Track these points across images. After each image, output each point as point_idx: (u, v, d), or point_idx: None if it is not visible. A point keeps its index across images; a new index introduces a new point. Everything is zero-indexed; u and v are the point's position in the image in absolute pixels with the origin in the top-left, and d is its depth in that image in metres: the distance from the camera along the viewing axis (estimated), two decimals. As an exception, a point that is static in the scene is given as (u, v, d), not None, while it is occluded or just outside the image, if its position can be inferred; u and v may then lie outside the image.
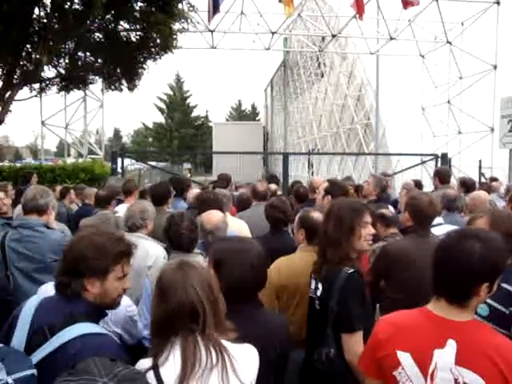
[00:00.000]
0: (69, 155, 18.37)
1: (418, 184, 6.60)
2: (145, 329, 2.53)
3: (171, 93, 52.34)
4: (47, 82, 11.33)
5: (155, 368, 1.43)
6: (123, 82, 11.43)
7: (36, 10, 9.11)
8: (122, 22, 10.04)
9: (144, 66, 10.95)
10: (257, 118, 55.82)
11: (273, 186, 5.88)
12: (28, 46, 9.55)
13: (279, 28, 15.61)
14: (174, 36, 10.22)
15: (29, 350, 1.52)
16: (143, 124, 54.38)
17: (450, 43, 15.22)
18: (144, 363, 1.47)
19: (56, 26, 8.98)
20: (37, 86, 11.18)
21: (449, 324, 1.51)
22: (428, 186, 8.45)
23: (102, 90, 15.18)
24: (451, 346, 1.47)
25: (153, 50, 10.44)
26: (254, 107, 59.77)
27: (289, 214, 3.50)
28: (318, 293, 2.27)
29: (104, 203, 4.56)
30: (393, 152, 14.61)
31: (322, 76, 26.27)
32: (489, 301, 2.02)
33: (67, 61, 11.02)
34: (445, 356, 1.47)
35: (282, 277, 2.70)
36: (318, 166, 24.88)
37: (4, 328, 1.64)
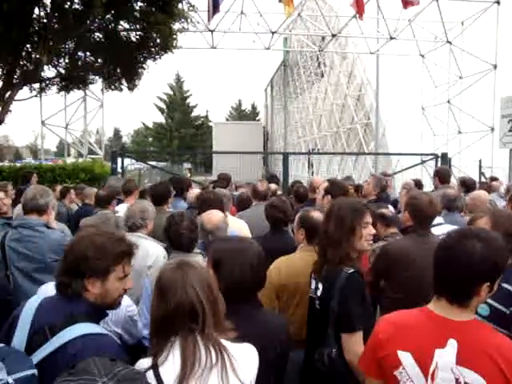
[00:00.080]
0: (69, 155, 18.38)
1: (418, 183, 6.60)
2: (145, 328, 2.53)
3: (171, 93, 52.33)
4: (47, 82, 11.33)
5: (155, 367, 1.43)
6: (123, 81, 11.44)
7: (36, 10, 9.12)
8: (121, 22, 10.05)
9: (144, 65, 10.96)
10: (257, 118, 55.81)
11: (273, 186, 5.88)
12: (28, 45, 9.55)
13: (279, 28, 15.61)
14: (174, 36, 10.23)
15: (29, 349, 1.52)
16: (143, 124, 54.42)
17: (450, 43, 15.22)
18: (143, 363, 1.47)
19: (56, 25, 8.98)
20: (37, 85, 11.19)
21: (449, 324, 1.51)
22: (428, 185, 8.45)
23: (102, 89, 15.19)
24: (452, 345, 1.47)
25: (153, 49, 10.44)
26: (254, 107, 59.77)
27: (289, 213, 3.50)
28: (319, 293, 2.27)
29: (104, 203, 4.56)
30: (393, 152, 14.61)
31: (322, 76, 26.27)
32: (489, 301, 2.02)
33: (67, 61, 11.03)
34: (446, 356, 1.47)
35: (282, 276, 2.70)
36: (317, 166, 24.90)
37: (4, 328, 1.63)
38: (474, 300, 1.51)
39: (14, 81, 9.51)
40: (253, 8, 14.65)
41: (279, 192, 6.53)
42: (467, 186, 5.45)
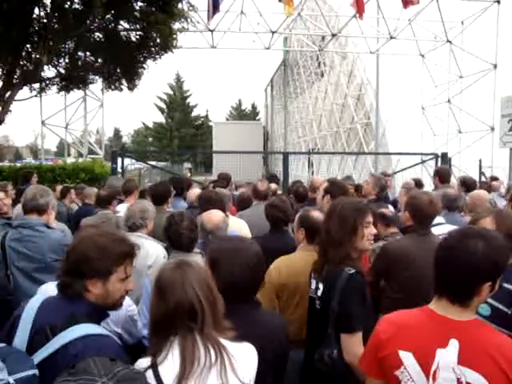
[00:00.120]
0: (69, 155, 18.35)
1: (419, 183, 6.60)
2: (144, 328, 2.53)
3: (171, 92, 52.36)
4: (47, 82, 11.33)
5: (154, 367, 1.43)
6: (123, 81, 11.44)
7: (36, 10, 9.12)
8: (121, 22, 10.04)
9: (144, 65, 10.96)
10: (257, 118, 55.85)
11: (273, 186, 5.88)
12: (28, 45, 9.55)
13: (279, 27, 15.58)
14: (174, 36, 10.22)
15: (30, 350, 1.52)
16: (143, 124, 54.49)
17: (450, 42, 15.21)
18: (143, 362, 1.47)
19: (56, 25, 8.99)
20: (37, 85, 11.19)
21: (451, 323, 1.51)
22: (428, 185, 8.45)
23: (102, 89, 15.18)
24: (453, 345, 1.47)
25: (153, 49, 10.44)
26: (254, 107, 59.81)
27: (289, 213, 3.50)
28: (319, 293, 2.26)
29: (105, 203, 4.56)
30: (393, 151, 14.61)
31: (322, 75, 26.27)
32: (490, 301, 2.02)
33: (67, 60, 11.02)
34: (447, 355, 1.47)
35: (282, 276, 2.70)
36: (318, 166, 24.85)
37: (6, 328, 1.63)
38: (475, 300, 1.50)
39: (14, 81, 9.51)
40: (253, 8, 14.65)
41: (279, 192, 6.53)
42: (467, 185, 5.45)
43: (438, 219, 3.33)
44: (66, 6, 8.68)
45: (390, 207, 4.56)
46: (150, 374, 1.41)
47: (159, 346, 1.48)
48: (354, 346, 2.07)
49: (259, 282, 1.89)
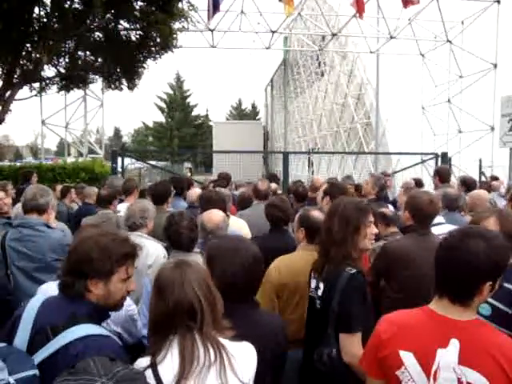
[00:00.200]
0: (69, 154, 18.36)
1: (419, 182, 6.61)
2: (144, 328, 2.53)
3: (171, 92, 52.35)
4: (47, 82, 11.33)
5: (153, 366, 1.43)
6: (123, 81, 11.44)
7: (36, 10, 9.13)
8: (121, 22, 10.05)
9: (144, 65, 10.97)
10: (257, 117, 55.81)
11: (273, 185, 5.88)
12: (28, 45, 9.55)
13: (279, 27, 15.57)
14: (174, 35, 10.22)
15: (31, 349, 1.52)
16: (143, 123, 54.48)
17: (450, 42, 15.20)
18: (142, 361, 1.47)
19: (56, 25, 8.99)
20: (37, 85, 11.19)
21: (451, 323, 1.50)
22: (428, 185, 8.45)
23: (102, 89, 15.19)
24: (454, 345, 1.46)
25: (153, 49, 10.44)
26: (254, 106, 59.81)
27: (289, 212, 3.50)
28: (319, 292, 2.26)
29: (106, 203, 4.56)
30: (393, 151, 14.60)
31: (322, 75, 26.25)
32: (491, 301, 2.02)
33: (67, 60, 11.03)
34: (448, 355, 1.47)
35: (282, 275, 2.70)
36: (318, 165, 24.82)
37: (7, 327, 1.63)
38: (476, 299, 1.50)
39: (14, 80, 9.52)
40: (253, 7, 14.64)
41: (279, 191, 6.54)
42: (468, 185, 5.45)
43: (438, 219, 3.33)
44: (66, 5, 8.70)
45: (390, 207, 4.56)
46: (149, 374, 1.40)
47: (158, 346, 1.48)
48: (352, 346, 2.07)
49: (257, 283, 1.88)
